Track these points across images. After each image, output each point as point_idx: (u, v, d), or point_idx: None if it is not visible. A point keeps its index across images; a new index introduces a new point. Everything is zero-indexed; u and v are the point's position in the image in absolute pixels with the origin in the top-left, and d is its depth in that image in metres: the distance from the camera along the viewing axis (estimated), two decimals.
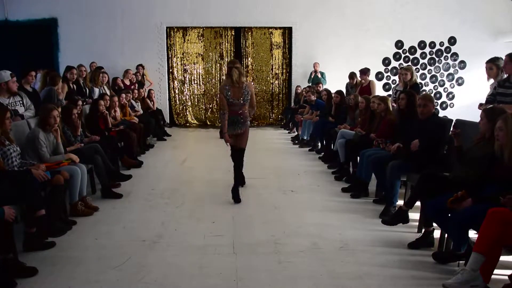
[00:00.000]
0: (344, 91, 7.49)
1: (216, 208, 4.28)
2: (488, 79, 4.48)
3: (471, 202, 2.81)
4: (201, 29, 10.27)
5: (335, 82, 8.35)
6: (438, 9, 10.04)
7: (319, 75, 9.63)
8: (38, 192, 3.26)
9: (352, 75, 7.65)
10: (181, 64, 10.48)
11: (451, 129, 3.65)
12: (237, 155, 4.54)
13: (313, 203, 4.49)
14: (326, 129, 6.56)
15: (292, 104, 10.14)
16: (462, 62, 10.44)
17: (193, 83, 10.59)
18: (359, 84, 7.35)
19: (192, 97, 10.65)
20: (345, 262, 3.10)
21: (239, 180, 4.64)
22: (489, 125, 3.09)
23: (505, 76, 4.18)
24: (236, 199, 4.42)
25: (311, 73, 9.81)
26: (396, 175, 4.03)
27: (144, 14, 9.81)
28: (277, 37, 10.47)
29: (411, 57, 10.38)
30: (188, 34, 10.31)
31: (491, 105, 3.75)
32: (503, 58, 4.14)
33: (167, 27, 10.04)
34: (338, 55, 9.92)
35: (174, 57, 10.37)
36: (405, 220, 3.71)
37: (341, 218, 4.01)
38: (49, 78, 5.66)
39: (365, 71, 7.24)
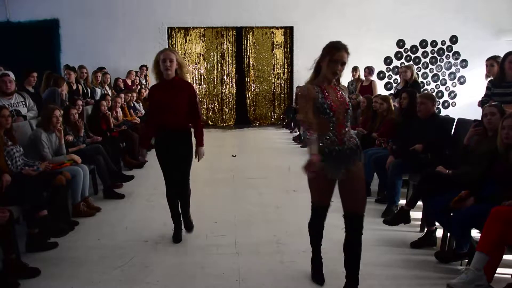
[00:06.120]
0: None
1: (217, 208, 4.28)
2: (488, 76, 4.39)
3: (473, 201, 2.81)
4: (203, 29, 10.26)
5: None
6: (439, 7, 9.99)
7: None
8: (40, 193, 3.27)
9: (355, 68, 7.68)
10: None
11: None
12: None
13: None
14: None
15: (294, 103, 10.13)
16: (464, 60, 10.40)
17: (195, 83, 10.57)
18: (360, 80, 7.35)
19: None
20: None
21: None
22: (499, 121, 2.94)
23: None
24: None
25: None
26: (397, 174, 4.02)
27: (146, 14, 9.81)
28: (278, 37, 10.46)
29: (412, 56, 10.34)
30: (189, 34, 10.30)
31: (495, 102, 3.68)
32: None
33: (168, 27, 10.04)
34: None
35: None
36: (407, 220, 3.70)
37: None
38: (53, 80, 5.68)
39: (371, 69, 7.21)
